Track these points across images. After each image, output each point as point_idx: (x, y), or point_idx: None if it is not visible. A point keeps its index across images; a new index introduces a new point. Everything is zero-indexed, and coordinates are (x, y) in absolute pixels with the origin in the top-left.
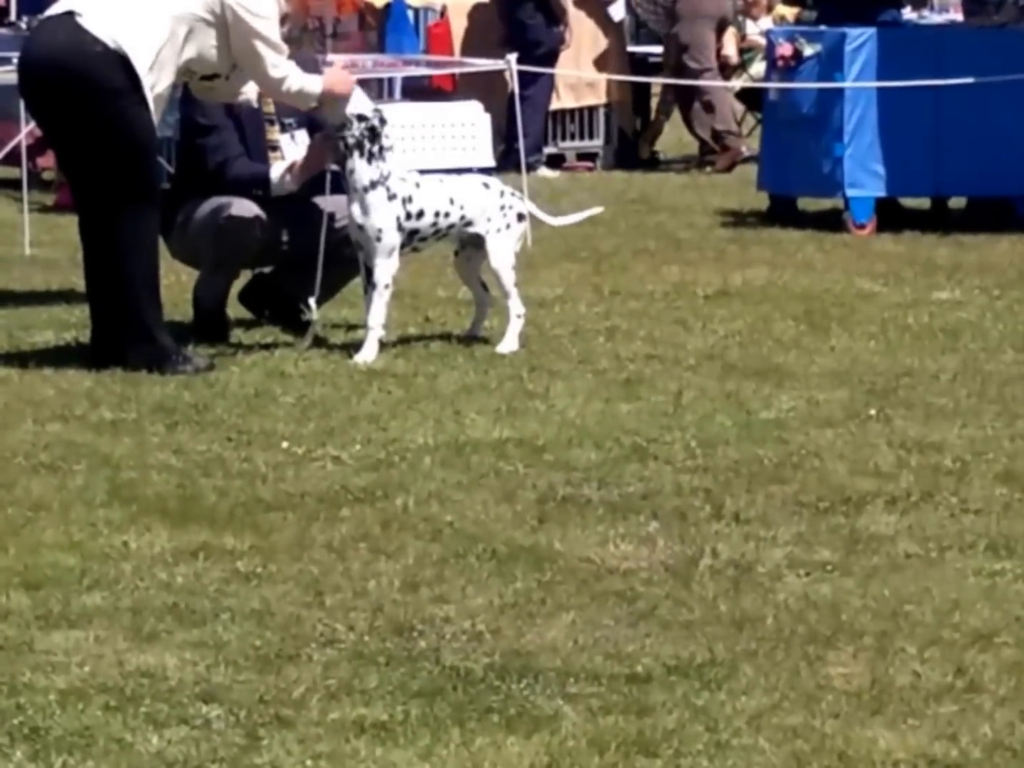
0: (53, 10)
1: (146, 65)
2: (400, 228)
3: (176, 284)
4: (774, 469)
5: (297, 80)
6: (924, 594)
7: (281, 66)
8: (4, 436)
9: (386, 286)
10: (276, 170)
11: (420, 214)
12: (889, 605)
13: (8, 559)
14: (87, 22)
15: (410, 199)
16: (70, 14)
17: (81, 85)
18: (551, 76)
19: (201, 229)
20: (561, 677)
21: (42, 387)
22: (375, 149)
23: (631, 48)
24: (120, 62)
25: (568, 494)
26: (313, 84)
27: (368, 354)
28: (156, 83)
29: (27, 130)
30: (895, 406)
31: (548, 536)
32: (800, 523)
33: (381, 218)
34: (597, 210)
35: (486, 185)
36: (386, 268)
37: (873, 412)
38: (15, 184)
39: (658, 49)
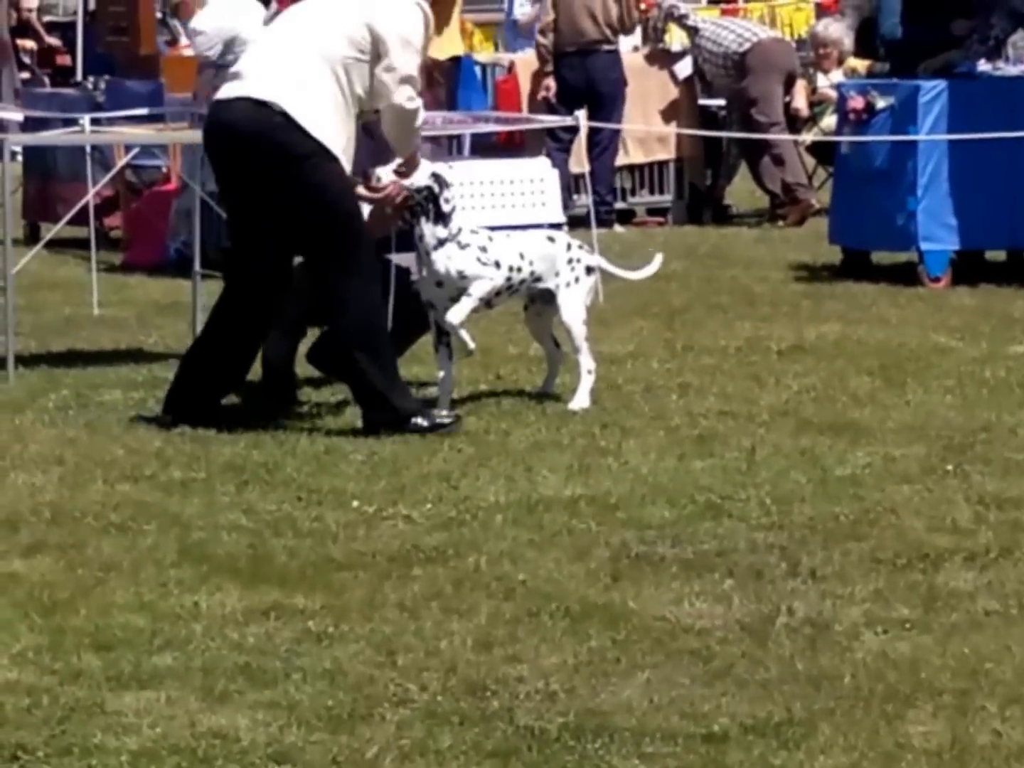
0: (225, 93)
1: (322, 122)
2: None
3: None
4: (850, 526)
5: (420, 118)
6: (1004, 652)
7: (416, 100)
8: (74, 496)
9: (480, 299)
10: None
11: (497, 265)
12: (969, 663)
13: (79, 620)
14: (259, 95)
15: (484, 249)
16: (243, 98)
17: (272, 157)
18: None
19: None
20: (636, 737)
21: (111, 447)
22: (439, 212)
23: (702, 101)
24: (300, 126)
25: (642, 552)
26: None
27: (465, 345)
28: (337, 133)
29: (95, 190)
30: (973, 461)
31: (622, 594)
32: (877, 580)
33: (458, 264)
34: (658, 260)
35: (551, 239)
36: (482, 286)
37: (950, 467)
38: (84, 244)
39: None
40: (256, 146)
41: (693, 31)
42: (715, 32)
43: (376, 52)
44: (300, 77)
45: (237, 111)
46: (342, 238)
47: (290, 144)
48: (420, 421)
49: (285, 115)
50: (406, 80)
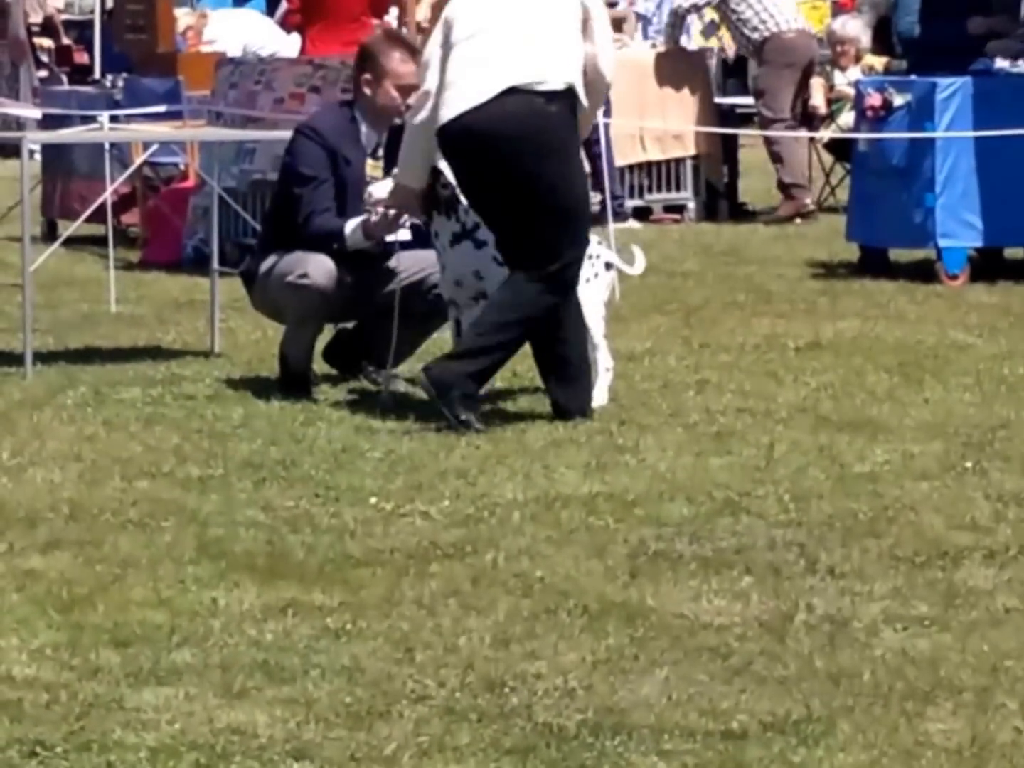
0: (486, 89)
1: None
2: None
3: (263, 340)
4: (869, 523)
5: None
6: None
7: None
8: (92, 493)
9: None
10: (350, 225)
11: None
12: (989, 660)
13: (97, 616)
14: (531, 82)
15: None
16: (510, 91)
17: (540, 151)
18: None
19: (280, 286)
20: (655, 734)
21: (129, 444)
22: (437, 200)
23: (718, 99)
24: (571, 106)
25: (660, 549)
26: None
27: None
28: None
29: (113, 187)
30: (991, 458)
31: (640, 591)
32: (896, 577)
33: (474, 263)
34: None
35: None
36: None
37: (969, 464)
38: (101, 241)
39: (745, 100)
40: (528, 140)
41: (720, 3)
42: (739, 7)
43: (585, 24)
44: (555, 56)
45: (509, 106)
46: (561, 235)
47: (562, 132)
48: (463, 415)
49: (557, 100)
50: (612, 44)
